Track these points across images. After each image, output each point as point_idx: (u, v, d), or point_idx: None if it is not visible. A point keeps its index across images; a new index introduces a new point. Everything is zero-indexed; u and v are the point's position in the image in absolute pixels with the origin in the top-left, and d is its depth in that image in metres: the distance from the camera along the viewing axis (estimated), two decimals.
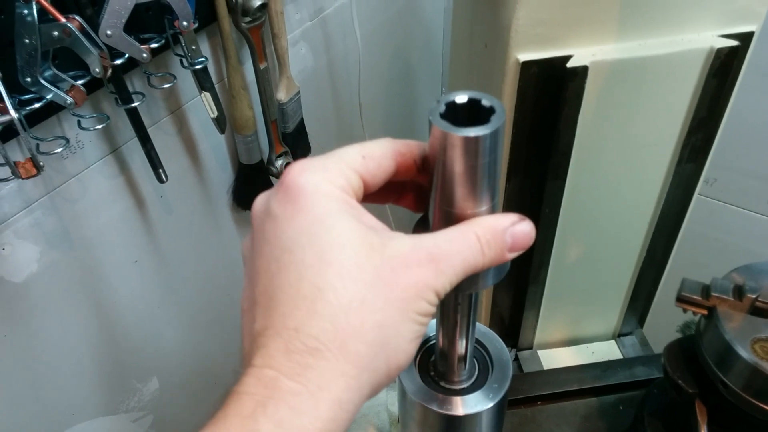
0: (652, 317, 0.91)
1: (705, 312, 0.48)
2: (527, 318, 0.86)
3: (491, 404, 0.47)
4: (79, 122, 0.64)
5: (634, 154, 0.70)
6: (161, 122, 0.77)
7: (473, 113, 0.33)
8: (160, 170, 0.72)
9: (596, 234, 0.78)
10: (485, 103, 0.33)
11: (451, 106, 0.33)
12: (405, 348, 0.31)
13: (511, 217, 0.34)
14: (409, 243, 0.32)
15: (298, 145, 0.95)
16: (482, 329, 0.52)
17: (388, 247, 0.31)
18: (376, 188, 0.35)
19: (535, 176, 0.71)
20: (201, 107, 0.78)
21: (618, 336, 0.91)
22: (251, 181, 0.90)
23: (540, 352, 0.90)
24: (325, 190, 0.31)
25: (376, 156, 0.34)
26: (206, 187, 0.88)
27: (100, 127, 0.65)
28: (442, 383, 0.49)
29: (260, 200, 0.33)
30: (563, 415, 0.69)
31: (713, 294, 0.47)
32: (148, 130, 0.73)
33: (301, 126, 0.95)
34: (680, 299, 0.48)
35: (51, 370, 0.77)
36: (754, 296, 0.46)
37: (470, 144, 0.32)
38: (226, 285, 0.99)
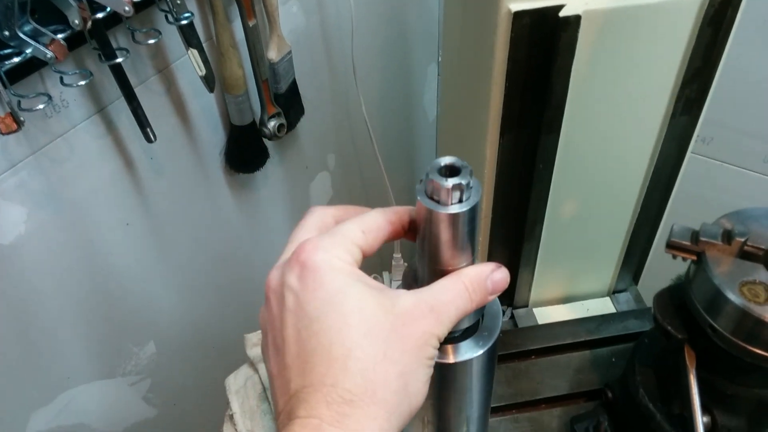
0: (646, 274, 0.91)
1: (694, 257, 0.48)
2: (522, 275, 0.86)
3: (482, 351, 0.47)
4: (61, 79, 0.63)
5: (629, 106, 0.69)
6: (148, 81, 0.76)
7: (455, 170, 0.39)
8: (148, 129, 0.71)
9: (590, 189, 0.77)
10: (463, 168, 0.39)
11: (438, 170, 0.39)
12: (421, 389, 0.38)
13: (490, 266, 0.42)
14: (412, 299, 0.38)
15: (291, 106, 0.94)
16: None
17: (396, 305, 0.37)
18: (372, 254, 0.41)
19: (529, 131, 0.70)
20: (189, 66, 0.77)
21: (613, 293, 0.91)
22: (243, 142, 0.89)
23: (536, 310, 0.90)
24: (337, 266, 0.37)
25: (374, 230, 0.41)
26: (197, 148, 0.87)
27: (83, 83, 0.64)
28: None
29: (275, 275, 0.39)
30: (557, 368, 0.69)
31: (702, 239, 0.47)
32: (135, 89, 0.72)
33: (293, 87, 0.94)
34: (670, 245, 0.48)
35: (44, 334, 0.77)
36: (742, 240, 0.45)
37: (452, 219, 0.39)
38: (220, 249, 0.99)
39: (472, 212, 0.40)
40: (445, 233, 0.40)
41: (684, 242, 0.47)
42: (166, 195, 0.85)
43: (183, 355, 1.01)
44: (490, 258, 0.87)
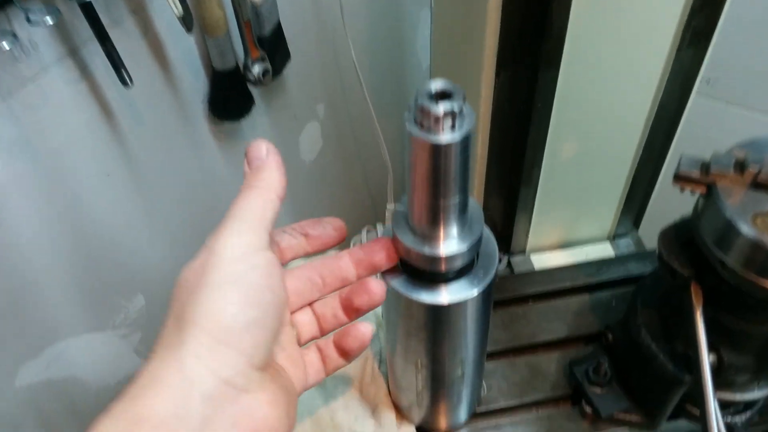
0: (647, 219, 0.89)
1: (704, 190, 0.45)
2: (519, 221, 0.83)
3: (476, 292, 0.45)
4: (27, 17, 0.59)
5: (633, 37, 0.65)
6: (124, 24, 0.72)
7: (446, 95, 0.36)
8: (123, 71, 0.67)
9: (591, 129, 0.74)
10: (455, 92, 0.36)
11: (428, 94, 0.36)
12: None
13: None
14: None
15: (276, 50, 0.90)
16: None
17: None
18: None
19: (527, 66, 0.66)
20: (167, 7, 0.72)
21: (613, 238, 0.89)
22: (227, 88, 0.85)
23: (533, 256, 0.88)
24: None
25: None
26: (179, 95, 0.83)
27: (51, 23, 0.60)
28: (426, 274, 0.46)
29: None
30: (555, 312, 0.67)
31: (713, 169, 0.44)
32: (110, 31, 0.68)
33: (278, 30, 0.89)
34: (678, 177, 0.45)
35: (28, 286, 0.75)
36: (756, 169, 0.43)
37: (443, 149, 0.36)
38: (207, 200, 0.96)
39: (465, 142, 0.37)
40: (435, 165, 0.37)
41: (693, 173, 0.44)
42: (147, 144, 0.81)
43: None
44: (485, 208, 0.84)
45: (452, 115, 0.35)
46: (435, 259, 0.43)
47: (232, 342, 0.32)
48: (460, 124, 0.36)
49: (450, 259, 0.43)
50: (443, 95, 0.36)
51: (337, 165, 1.24)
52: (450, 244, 0.43)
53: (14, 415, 0.81)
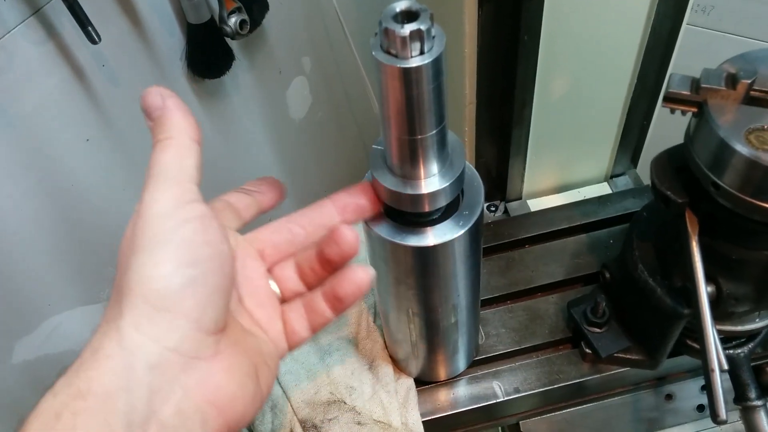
0: (644, 155, 0.86)
1: (695, 109, 0.42)
2: (513, 166, 0.81)
3: (462, 231, 0.43)
4: None
5: None
6: None
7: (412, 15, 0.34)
8: (90, 28, 0.64)
9: (582, 63, 0.71)
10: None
11: (393, 16, 0.34)
12: None
13: None
14: None
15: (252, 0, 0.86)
16: None
17: None
18: None
19: None
20: None
21: (610, 177, 0.86)
22: (204, 43, 0.82)
23: (529, 202, 0.85)
24: None
25: None
26: (154, 52, 0.80)
27: None
28: (409, 216, 0.44)
29: None
30: (552, 255, 0.65)
31: (703, 85, 0.41)
32: None
33: None
34: (667, 97, 0.43)
35: (15, 261, 0.74)
36: (749, 82, 0.40)
37: (413, 74, 0.34)
38: None
39: (437, 64, 0.34)
40: (407, 93, 0.35)
41: (683, 92, 0.42)
42: (126, 106, 0.79)
43: None
44: (477, 155, 0.81)
45: (420, 35, 0.33)
46: (417, 198, 0.41)
47: (171, 306, 0.30)
48: (430, 46, 0.34)
49: (432, 197, 0.41)
50: (409, 15, 0.34)
51: (328, 121, 1.21)
52: (431, 182, 0.40)
53: (14, 390, 0.80)
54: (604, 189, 0.87)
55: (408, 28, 0.33)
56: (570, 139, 0.80)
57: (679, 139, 0.49)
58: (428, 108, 0.36)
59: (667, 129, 0.78)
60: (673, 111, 0.43)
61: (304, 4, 1.03)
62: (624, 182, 0.86)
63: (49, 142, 0.72)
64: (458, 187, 0.42)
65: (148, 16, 0.77)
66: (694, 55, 0.80)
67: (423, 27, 0.33)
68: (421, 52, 0.34)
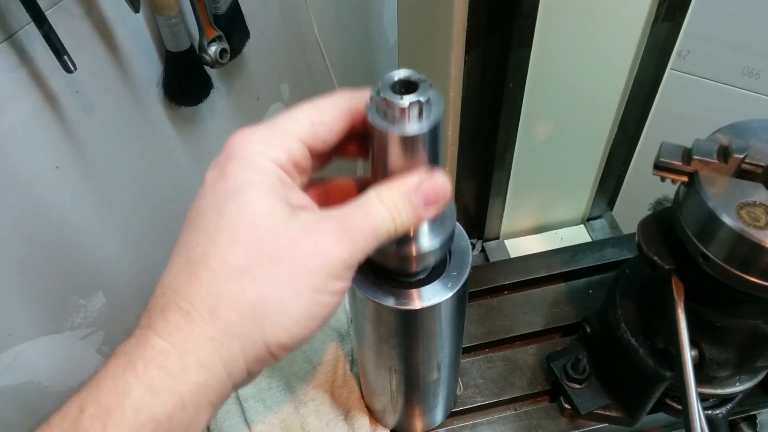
0: (621, 199, 0.87)
1: (685, 179, 0.42)
2: (493, 206, 0.81)
3: (450, 294, 0.42)
4: None
5: (608, 12, 0.62)
6: (63, 2, 0.66)
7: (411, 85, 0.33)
8: (65, 57, 0.62)
9: (566, 109, 0.71)
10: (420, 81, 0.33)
11: (391, 86, 0.33)
12: (289, 328, 0.30)
13: (420, 175, 0.33)
14: (315, 214, 0.31)
15: (233, 28, 0.85)
16: None
17: (293, 219, 0.30)
18: (327, 150, 0.34)
19: (498, 45, 0.63)
20: None
21: (587, 220, 0.87)
22: (182, 71, 0.81)
23: (507, 242, 0.85)
24: (256, 162, 0.31)
25: (327, 121, 0.33)
26: (130, 80, 0.78)
27: None
28: (395, 275, 0.43)
29: (213, 162, 0.33)
30: (531, 303, 0.65)
31: (695, 157, 0.41)
32: (48, 11, 0.63)
33: (235, 6, 0.84)
34: (658, 166, 0.42)
35: None
36: (741, 156, 0.40)
37: (411, 141, 0.33)
38: (168, 191, 0.91)
39: (434, 132, 0.33)
40: (403, 158, 0.34)
41: (675, 162, 0.42)
42: (98, 133, 0.76)
43: (137, 304, 0.94)
44: (458, 194, 0.81)
45: (419, 105, 0.32)
46: (405, 258, 0.40)
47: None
48: (428, 112, 0.33)
49: (421, 257, 0.40)
50: (408, 85, 0.33)
51: None
52: (421, 241, 0.39)
53: None
54: (580, 231, 0.87)
55: (407, 100, 0.32)
56: (550, 183, 0.81)
57: (654, 184, 0.49)
58: (423, 170, 0.35)
59: (645, 174, 0.79)
60: (663, 179, 0.43)
61: (285, 32, 1.01)
62: (600, 225, 0.87)
63: (17, 170, 0.69)
64: (447, 246, 0.41)
65: (126, 42, 0.75)
66: (670, 98, 0.81)
67: (422, 98, 0.32)
68: (420, 118, 0.33)
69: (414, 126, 0.33)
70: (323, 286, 0.30)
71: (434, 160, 0.35)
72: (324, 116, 0.33)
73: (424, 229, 0.39)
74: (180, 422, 0.28)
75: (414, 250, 0.39)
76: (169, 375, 0.28)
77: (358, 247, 0.31)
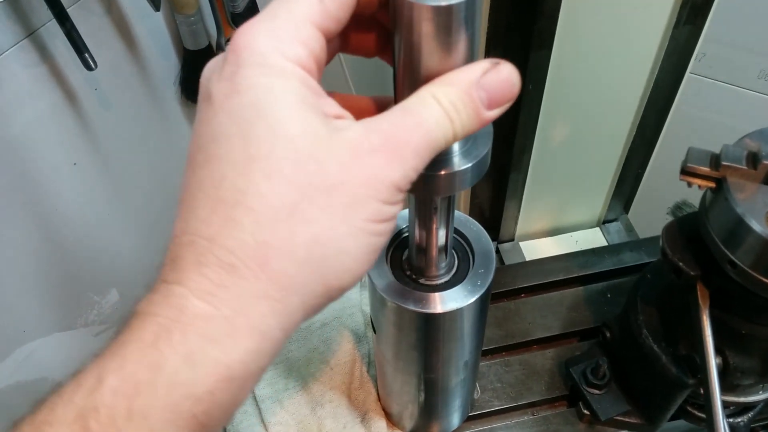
0: (637, 202, 0.86)
1: (713, 185, 0.42)
2: (508, 208, 0.80)
3: (473, 299, 0.42)
4: None
5: (628, 15, 0.62)
6: (85, 1, 0.66)
7: None
8: (86, 55, 0.62)
9: (584, 112, 0.71)
10: None
11: None
12: (351, 267, 0.26)
13: (481, 65, 0.27)
14: (360, 128, 0.26)
15: None
16: (461, 217, 0.46)
17: (335, 138, 0.25)
18: (338, 31, 0.27)
19: (518, 46, 0.63)
20: None
21: (603, 223, 0.86)
22: (200, 69, 0.80)
23: (522, 244, 0.85)
24: (272, 65, 0.25)
25: None
26: (148, 77, 0.78)
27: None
28: (418, 279, 0.43)
29: (209, 67, 0.27)
30: (549, 306, 0.65)
31: (724, 162, 0.41)
32: (69, 9, 0.63)
33: (253, 6, 0.84)
34: (686, 171, 0.42)
35: None
36: None
37: (445, 13, 0.26)
38: None
39: (472, 3, 0.26)
40: (434, 36, 0.27)
41: (702, 168, 0.41)
42: (116, 130, 0.77)
43: None
44: (473, 195, 0.81)
45: None
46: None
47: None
48: None
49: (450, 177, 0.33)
50: None
51: None
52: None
53: None
54: (596, 234, 0.87)
55: None
56: (566, 185, 0.80)
57: (671, 187, 0.48)
58: (458, 54, 0.28)
59: (661, 178, 0.78)
60: (690, 185, 0.42)
61: None
62: (616, 228, 0.87)
63: (35, 166, 0.69)
64: (483, 170, 0.36)
65: (145, 40, 0.75)
66: (686, 101, 0.81)
67: None
68: None
69: None
70: (378, 215, 0.25)
71: (472, 36, 0.28)
72: None
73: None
74: (224, 397, 0.24)
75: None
76: (213, 344, 0.23)
77: (410, 165, 0.26)
